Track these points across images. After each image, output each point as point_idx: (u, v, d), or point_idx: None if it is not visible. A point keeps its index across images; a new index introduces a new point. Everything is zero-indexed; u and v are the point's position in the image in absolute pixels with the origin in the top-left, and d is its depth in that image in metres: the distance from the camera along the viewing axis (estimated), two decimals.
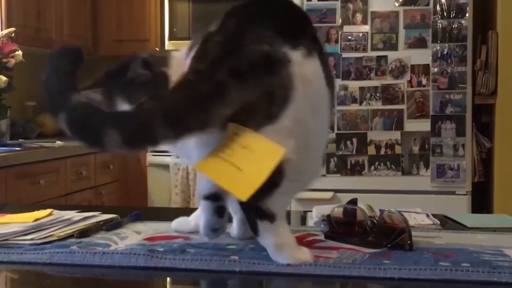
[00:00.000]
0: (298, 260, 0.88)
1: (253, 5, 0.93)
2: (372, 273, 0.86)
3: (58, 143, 3.32)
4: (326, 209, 1.12)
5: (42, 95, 0.89)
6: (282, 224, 0.89)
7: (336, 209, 1.07)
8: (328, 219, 1.06)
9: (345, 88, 3.37)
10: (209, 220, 0.97)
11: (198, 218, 1.10)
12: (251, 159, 0.83)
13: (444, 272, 0.85)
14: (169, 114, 0.82)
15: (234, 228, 1.04)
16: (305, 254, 0.90)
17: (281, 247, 0.89)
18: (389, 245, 0.98)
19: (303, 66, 0.88)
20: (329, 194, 3.29)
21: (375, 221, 1.02)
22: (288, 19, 0.95)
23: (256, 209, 0.87)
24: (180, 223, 1.11)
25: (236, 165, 0.84)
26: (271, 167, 0.83)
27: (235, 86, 0.83)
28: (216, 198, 0.93)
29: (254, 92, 0.84)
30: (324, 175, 3.34)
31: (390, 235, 0.98)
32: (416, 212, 1.29)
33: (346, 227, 1.04)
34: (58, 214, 1.18)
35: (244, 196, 0.82)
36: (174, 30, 4.38)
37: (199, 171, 0.89)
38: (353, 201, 1.08)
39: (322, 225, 1.12)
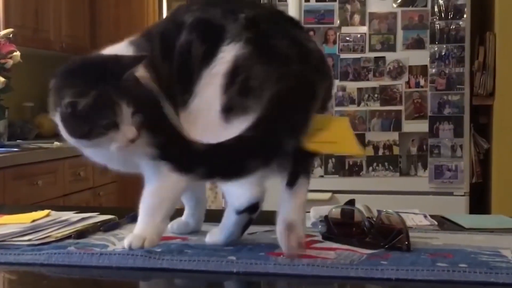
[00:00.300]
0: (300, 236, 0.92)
1: (249, 11, 0.95)
2: (370, 273, 0.86)
3: (56, 144, 3.31)
4: (323, 210, 1.12)
5: (160, 157, 0.92)
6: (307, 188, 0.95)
7: (333, 210, 1.07)
8: (325, 220, 1.07)
9: (343, 89, 3.37)
10: (237, 234, 1.00)
11: (197, 219, 1.11)
12: (333, 132, 0.92)
13: (442, 273, 0.85)
14: (292, 127, 0.88)
15: (217, 233, 1.02)
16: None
17: (304, 206, 0.94)
18: (386, 246, 0.98)
19: None
20: (327, 195, 3.29)
21: (372, 222, 1.02)
22: (283, 14, 1.00)
23: (306, 165, 0.94)
24: (179, 224, 1.11)
25: (326, 140, 0.91)
26: (351, 132, 0.96)
27: (319, 81, 0.92)
28: (253, 210, 0.96)
29: (326, 84, 0.94)
30: (322, 176, 3.34)
31: (388, 236, 0.98)
32: (413, 213, 1.29)
33: (343, 228, 1.04)
34: (55, 215, 1.18)
35: (362, 151, 0.94)
36: None
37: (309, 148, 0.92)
38: (351, 202, 1.08)
39: (319, 226, 1.13)
